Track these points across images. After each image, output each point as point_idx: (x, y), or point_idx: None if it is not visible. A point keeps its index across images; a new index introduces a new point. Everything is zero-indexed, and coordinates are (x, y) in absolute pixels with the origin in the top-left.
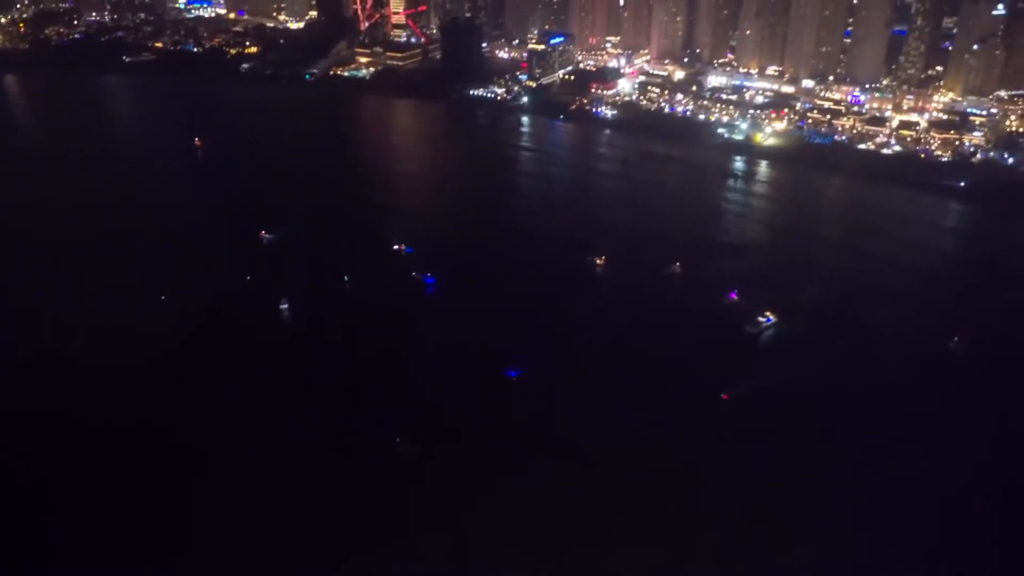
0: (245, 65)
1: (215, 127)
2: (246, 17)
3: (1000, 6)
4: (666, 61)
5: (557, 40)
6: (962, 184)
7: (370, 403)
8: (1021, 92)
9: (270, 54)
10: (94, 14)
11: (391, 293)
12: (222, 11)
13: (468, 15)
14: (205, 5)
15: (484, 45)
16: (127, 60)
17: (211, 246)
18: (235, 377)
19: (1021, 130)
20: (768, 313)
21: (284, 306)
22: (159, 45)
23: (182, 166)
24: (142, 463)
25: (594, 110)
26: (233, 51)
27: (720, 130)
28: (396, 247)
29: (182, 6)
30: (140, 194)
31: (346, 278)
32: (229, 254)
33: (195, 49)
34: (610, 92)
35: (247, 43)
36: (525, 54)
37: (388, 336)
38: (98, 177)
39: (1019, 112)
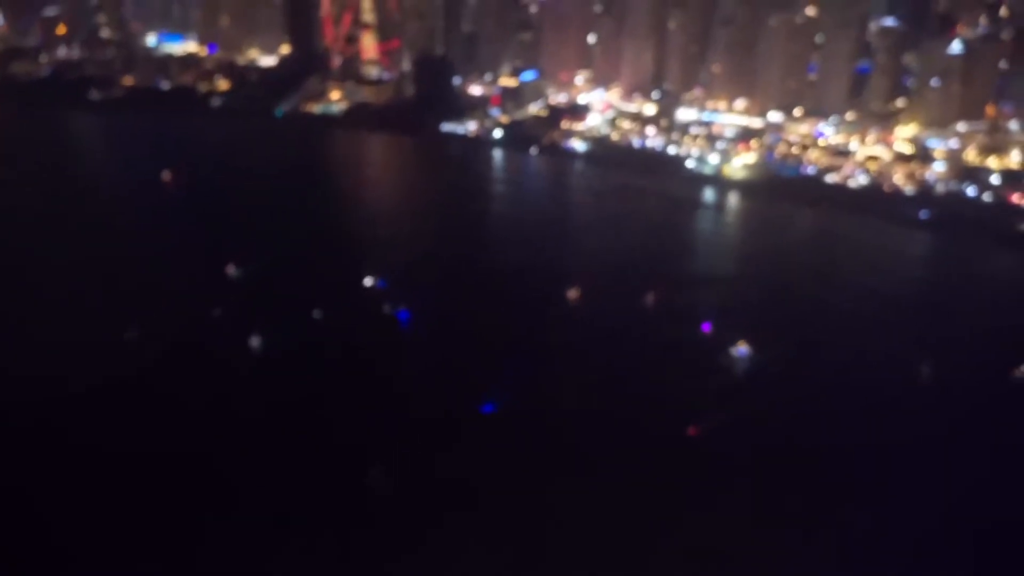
0: (216, 101)
1: (185, 163)
2: (217, 53)
3: (956, 44)
4: (636, 96)
5: (529, 75)
6: (926, 214)
7: (343, 437)
8: (979, 126)
9: (241, 90)
10: (61, 50)
11: (363, 328)
12: (192, 46)
13: (440, 51)
14: (176, 41)
15: (457, 80)
16: (96, 97)
17: (177, 281)
18: (204, 412)
19: (980, 162)
20: (741, 344)
21: (255, 340)
22: (129, 82)
23: (150, 202)
24: (109, 498)
25: (566, 144)
26: (204, 87)
27: (691, 163)
28: (368, 282)
29: (152, 43)
30: (106, 230)
31: (316, 313)
32: (196, 289)
33: (165, 86)
34: (581, 126)
35: (218, 79)
36: (497, 89)
37: (361, 371)
38: (63, 213)
39: (978, 145)
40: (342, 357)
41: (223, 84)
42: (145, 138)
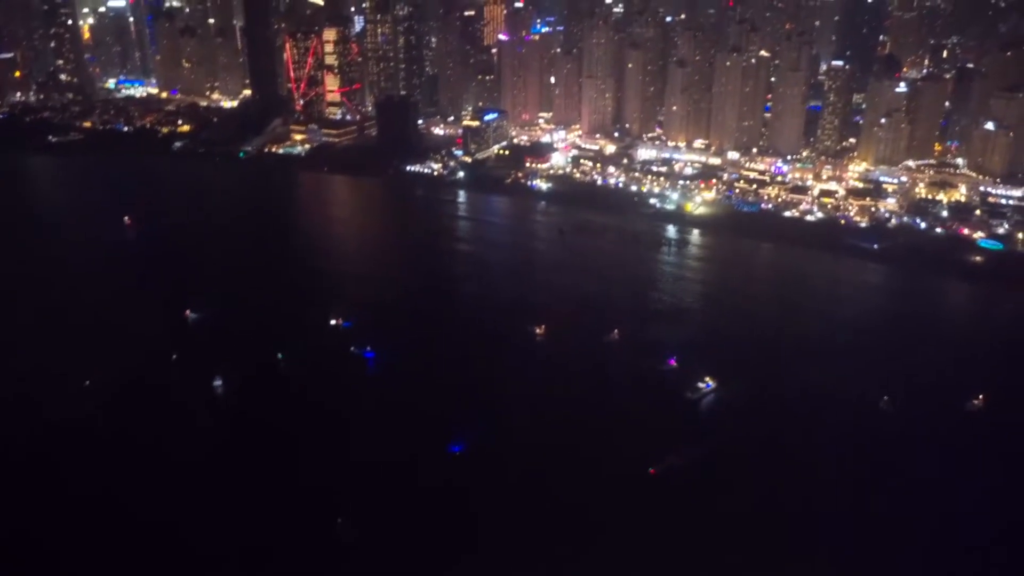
0: (177, 144)
1: (146, 206)
2: (179, 96)
3: (902, 84)
4: (597, 135)
5: (491, 116)
6: (880, 247)
7: (310, 483)
8: (926, 162)
9: (203, 132)
10: (19, 94)
11: (328, 369)
12: (154, 90)
13: (403, 92)
14: (136, 85)
15: (419, 122)
16: (53, 140)
17: (134, 326)
18: (167, 458)
19: (929, 196)
20: (707, 379)
21: (218, 383)
22: (87, 125)
23: (110, 245)
24: (72, 544)
25: (529, 183)
26: (165, 130)
27: (652, 200)
28: (333, 322)
29: (112, 86)
30: (63, 275)
31: (280, 355)
32: (152, 334)
33: (125, 128)
34: (544, 166)
35: (179, 122)
36: (460, 130)
37: (327, 413)
38: (20, 258)
39: (926, 180)
40: (307, 398)
41: (185, 127)
42: (105, 181)
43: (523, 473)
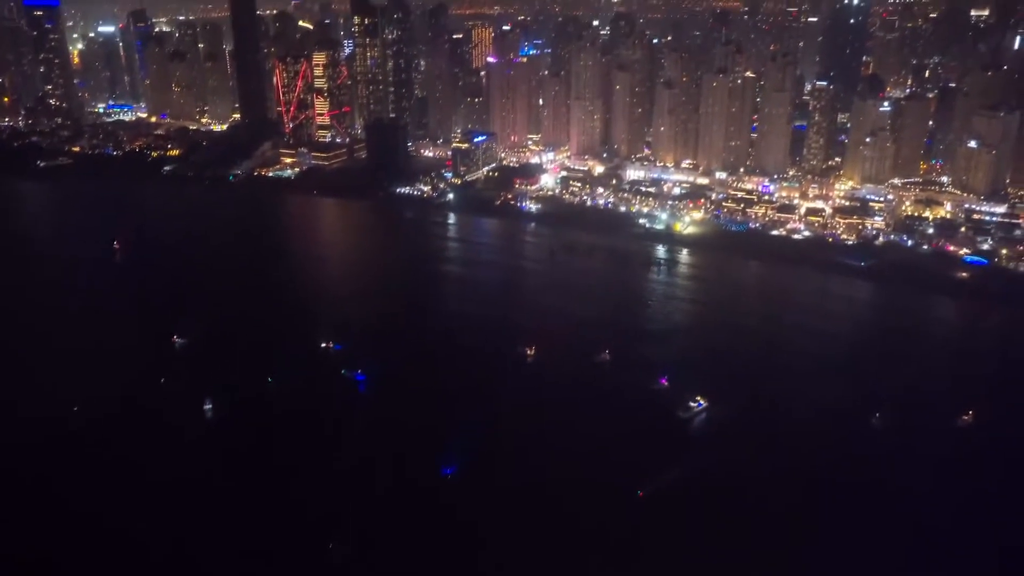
0: (167, 167)
1: (135, 229)
2: (168, 120)
3: (886, 104)
4: (586, 156)
5: (480, 138)
6: (867, 264)
7: (302, 506)
8: (912, 180)
9: (193, 156)
10: (7, 119)
11: (319, 392)
12: (143, 115)
13: (392, 115)
14: (126, 109)
15: (409, 144)
16: (42, 165)
17: (122, 351)
18: (156, 482)
19: (915, 214)
20: (698, 398)
21: (208, 406)
22: (76, 149)
23: (99, 269)
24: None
25: (519, 205)
26: (155, 154)
27: (641, 220)
28: (324, 345)
29: (101, 110)
30: (51, 299)
31: (270, 379)
32: (140, 359)
33: (115, 152)
34: (533, 187)
35: (169, 146)
36: (449, 152)
37: (317, 436)
38: (8, 282)
39: (912, 198)
40: (297, 421)
41: (174, 150)
42: (94, 205)
43: (512, 496)
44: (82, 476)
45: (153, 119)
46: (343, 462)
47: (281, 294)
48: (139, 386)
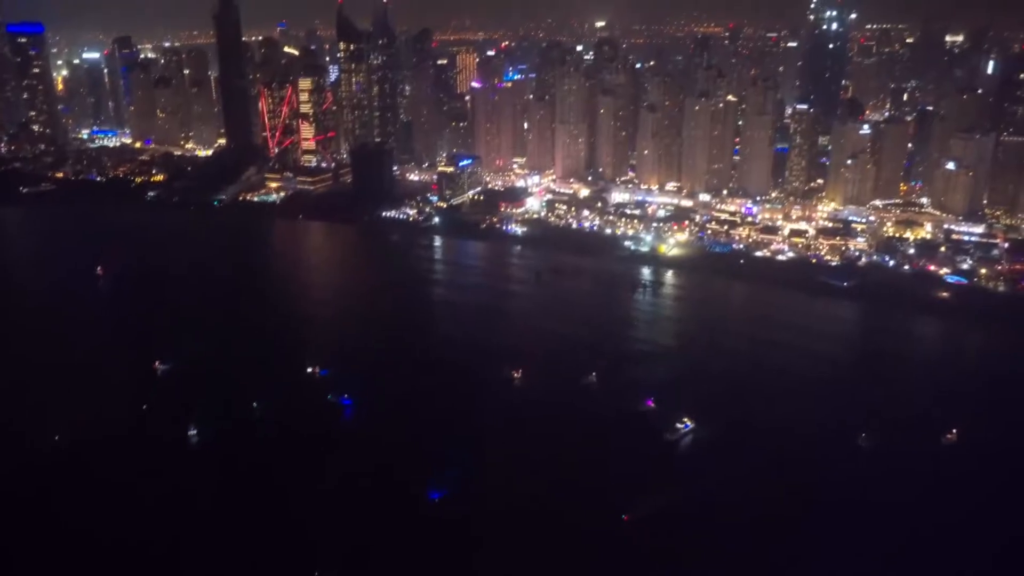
0: (151, 193)
1: (119, 255)
2: (152, 146)
3: (865, 127)
4: (571, 180)
5: (465, 162)
6: (851, 285)
7: (287, 535)
8: (893, 201)
9: (177, 181)
10: None
11: (305, 417)
12: (128, 140)
13: (377, 140)
14: (110, 135)
15: (394, 168)
16: (24, 191)
17: (104, 378)
18: (140, 509)
19: (897, 235)
20: (685, 419)
21: (192, 432)
22: (60, 175)
23: (82, 295)
24: None
25: (504, 228)
26: (139, 179)
27: (626, 243)
28: (310, 370)
29: (85, 136)
30: (33, 326)
31: (255, 404)
32: (121, 386)
33: (98, 178)
34: (519, 210)
35: (153, 171)
36: (435, 176)
37: (303, 462)
38: None
39: (893, 219)
40: (283, 448)
41: (159, 176)
42: (77, 231)
43: (499, 521)
44: (64, 503)
45: (137, 145)
46: (329, 487)
47: (266, 319)
48: (120, 413)
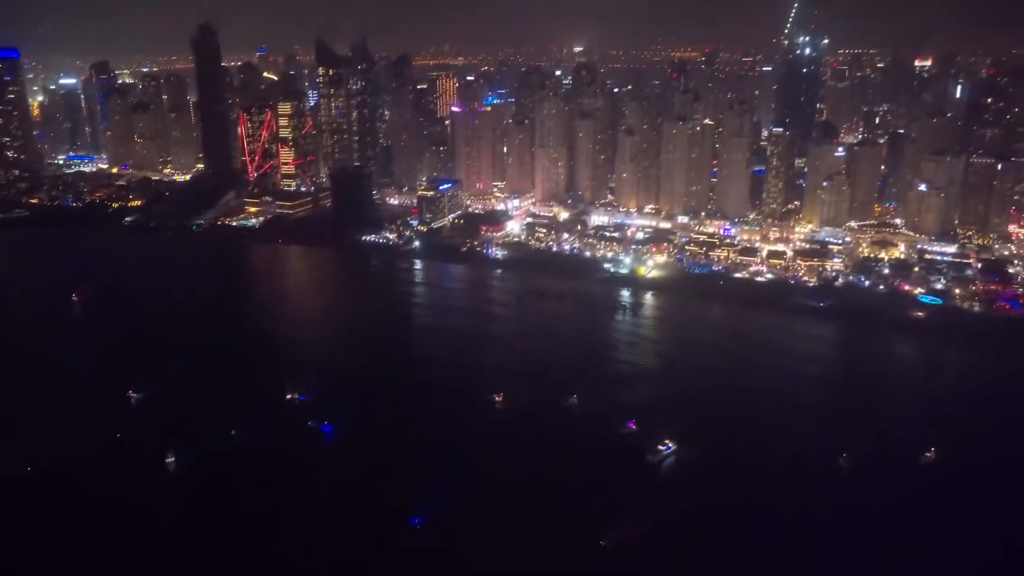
0: (128, 218)
1: (95, 281)
2: (130, 171)
3: (840, 149)
4: (551, 203)
5: (446, 186)
6: (826, 305)
7: (267, 563)
8: (868, 222)
9: (155, 206)
10: None
11: (285, 444)
12: (104, 166)
13: (357, 164)
14: (86, 160)
15: (374, 192)
16: None
17: (75, 408)
18: (115, 540)
19: (872, 255)
20: (667, 441)
21: (170, 459)
22: (35, 201)
23: (56, 322)
24: None
25: (485, 251)
26: (116, 205)
27: (606, 265)
28: (290, 396)
29: (61, 162)
30: (4, 355)
31: (233, 432)
32: (93, 415)
33: (74, 204)
34: (499, 234)
35: (130, 196)
36: (415, 200)
37: (283, 490)
38: None
39: (868, 239)
40: (262, 475)
41: (136, 201)
42: (52, 257)
43: (477, 547)
44: (36, 536)
45: (115, 170)
46: (309, 515)
47: (245, 344)
48: (93, 443)
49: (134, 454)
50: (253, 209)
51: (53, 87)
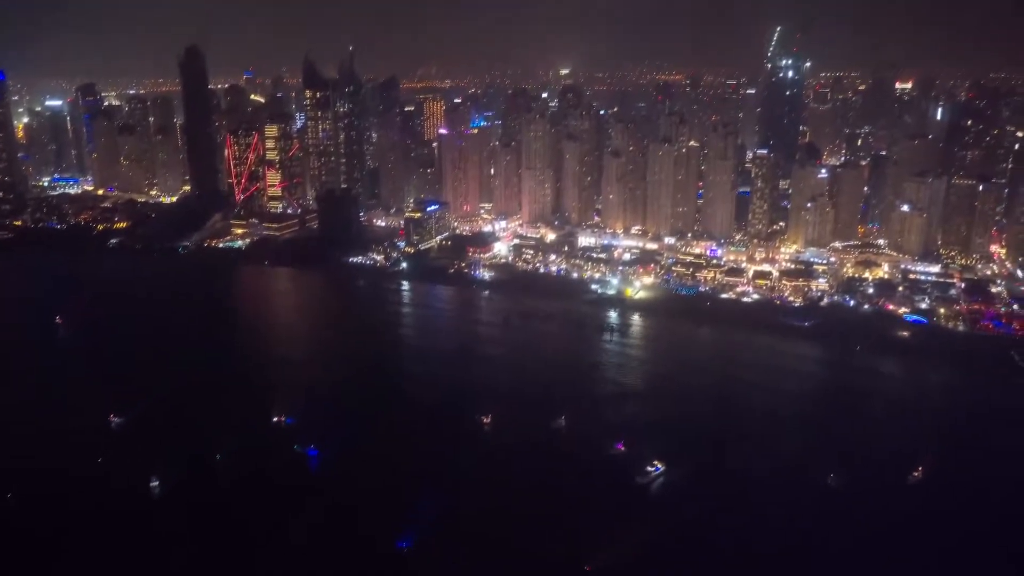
0: (113, 240)
1: (79, 304)
2: (115, 193)
3: (823, 171)
4: (538, 224)
5: (433, 207)
6: (811, 324)
7: None
8: (852, 243)
9: (140, 228)
10: None
11: (271, 468)
12: (90, 188)
13: (344, 186)
14: (72, 183)
15: (361, 214)
16: None
17: (57, 433)
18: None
19: (856, 275)
20: (656, 462)
21: (154, 483)
22: (18, 223)
23: (40, 346)
24: None
25: (472, 272)
26: (101, 227)
27: (593, 286)
28: (276, 419)
29: (46, 184)
30: None
31: (218, 456)
32: (75, 440)
33: (59, 226)
34: (487, 255)
35: (116, 218)
36: (402, 221)
37: (268, 514)
38: None
39: (852, 260)
40: (247, 499)
41: (121, 223)
42: (36, 279)
43: (464, 571)
44: (15, 564)
45: (100, 192)
46: (295, 540)
47: (231, 367)
48: (74, 468)
49: (115, 479)
50: (239, 231)
51: (39, 109)
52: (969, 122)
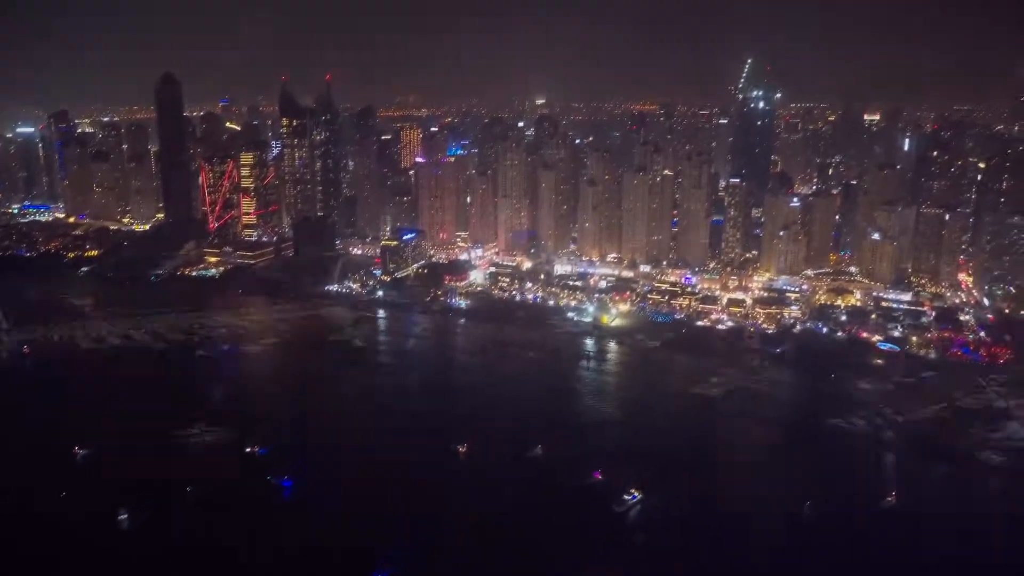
0: (84, 268)
1: (49, 333)
2: (87, 221)
3: (795, 199)
4: (514, 252)
5: (409, 236)
6: (782, 351)
7: None
8: (824, 270)
9: (112, 256)
10: None
11: (243, 499)
12: (61, 215)
13: (320, 214)
14: (43, 210)
15: (337, 242)
16: None
17: (18, 466)
18: None
19: (829, 303)
20: (633, 490)
21: (123, 516)
22: None
23: (4, 376)
24: None
25: (449, 300)
26: (71, 255)
27: (570, 314)
28: (249, 449)
29: (16, 211)
30: None
31: (188, 488)
32: (38, 473)
33: (28, 254)
34: (463, 283)
35: (87, 246)
36: (378, 250)
37: (241, 547)
38: None
39: (824, 287)
40: (219, 532)
41: (93, 251)
42: (2, 307)
43: None
44: None
45: (72, 219)
46: (270, 571)
47: (203, 396)
48: (38, 502)
49: (78, 512)
50: (213, 259)
51: (9, 135)
52: (935, 153)
